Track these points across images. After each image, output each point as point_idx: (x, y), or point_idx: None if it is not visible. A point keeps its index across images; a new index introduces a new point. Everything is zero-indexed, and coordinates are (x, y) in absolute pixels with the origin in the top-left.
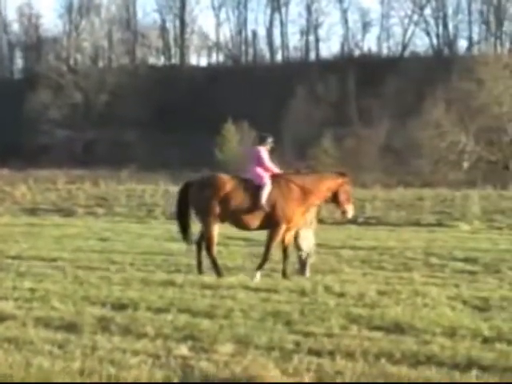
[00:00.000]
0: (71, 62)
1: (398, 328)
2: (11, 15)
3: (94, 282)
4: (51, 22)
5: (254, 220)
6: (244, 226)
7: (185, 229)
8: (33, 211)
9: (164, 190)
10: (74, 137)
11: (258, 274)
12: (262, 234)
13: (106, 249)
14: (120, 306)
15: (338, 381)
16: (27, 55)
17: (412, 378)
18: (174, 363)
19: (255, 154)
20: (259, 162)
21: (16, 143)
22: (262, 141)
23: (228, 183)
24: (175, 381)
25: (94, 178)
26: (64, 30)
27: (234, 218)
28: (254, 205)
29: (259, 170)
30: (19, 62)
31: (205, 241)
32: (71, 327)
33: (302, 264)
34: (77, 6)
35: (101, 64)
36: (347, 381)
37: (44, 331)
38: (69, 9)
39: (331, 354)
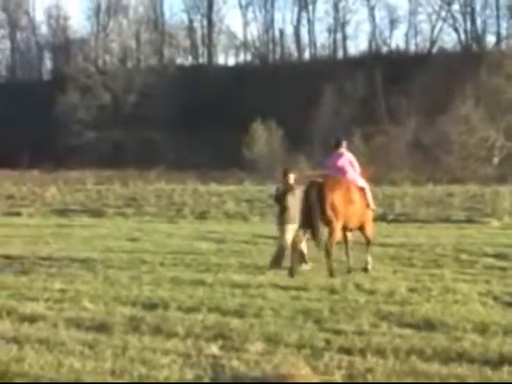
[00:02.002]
0: (99, 62)
1: (428, 325)
2: (39, 17)
3: (125, 282)
4: (79, 23)
5: (360, 220)
6: (353, 227)
7: (317, 230)
8: (63, 212)
9: (193, 190)
10: (103, 137)
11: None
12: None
13: (135, 249)
14: (150, 306)
15: (368, 378)
16: (56, 56)
17: (443, 374)
18: (205, 362)
19: (348, 159)
20: (353, 165)
21: (45, 144)
22: (340, 144)
23: (350, 185)
24: (206, 380)
25: (123, 179)
26: (92, 31)
27: (349, 219)
28: (364, 206)
29: (354, 173)
30: (48, 64)
31: (329, 242)
32: (102, 327)
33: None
34: (104, 7)
35: (129, 64)
36: (378, 378)
37: (75, 332)
38: (96, 10)
39: (362, 351)
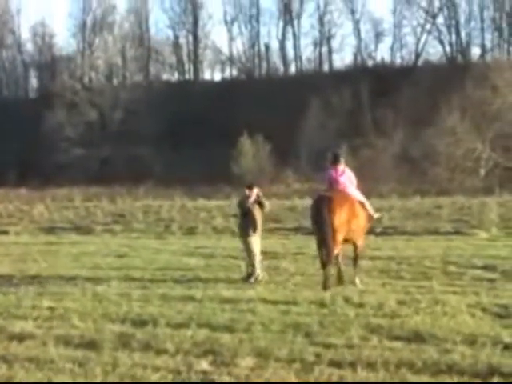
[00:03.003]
0: (85, 79)
1: (418, 337)
2: (25, 35)
3: (114, 299)
4: (65, 40)
5: (359, 234)
6: (355, 240)
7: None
8: (51, 230)
9: (181, 205)
10: (90, 154)
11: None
12: (277, 247)
13: (124, 265)
14: (140, 323)
15: None
16: (42, 74)
17: None
18: (195, 378)
19: (348, 176)
20: (351, 180)
21: (32, 162)
22: (338, 159)
23: (354, 200)
24: None
25: (111, 195)
26: (78, 49)
27: (351, 232)
28: (365, 220)
29: (354, 189)
30: (34, 82)
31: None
32: (91, 345)
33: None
34: (90, 24)
35: (115, 81)
36: None
37: (64, 349)
38: (82, 27)
39: (352, 364)
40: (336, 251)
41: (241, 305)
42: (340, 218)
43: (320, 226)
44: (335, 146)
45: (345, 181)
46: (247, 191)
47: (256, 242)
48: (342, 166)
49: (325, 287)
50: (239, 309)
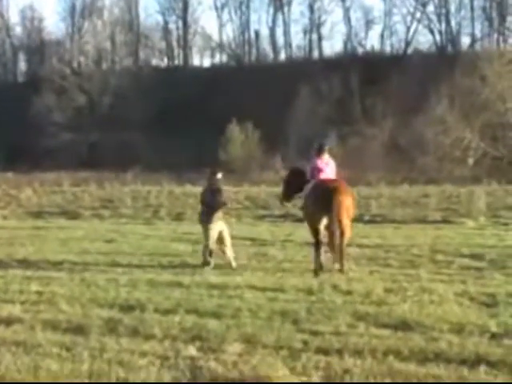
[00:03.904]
0: (74, 64)
1: (405, 325)
2: (14, 18)
3: (101, 284)
4: (54, 24)
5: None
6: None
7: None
8: (38, 214)
9: (169, 191)
10: (79, 139)
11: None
12: (266, 234)
13: (112, 250)
14: (127, 308)
15: (346, 379)
16: (30, 58)
17: (420, 374)
18: (183, 364)
19: (331, 164)
20: (333, 170)
21: (20, 146)
22: (323, 150)
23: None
24: (184, 381)
25: (99, 180)
26: (67, 33)
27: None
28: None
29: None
30: (22, 65)
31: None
32: (79, 329)
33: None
34: (79, 9)
35: (104, 66)
36: (356, 379)
37: (52, 334)
38: (71, 11)
39: (339, 352)
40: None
41: (228, 291)
42: (350, 203)
43: (333, 208)
44: (323, 135)
45: (329, 170)
46: (215, 177)
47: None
48: (326, 156)
49: (317, 273)
50: (227, 295)
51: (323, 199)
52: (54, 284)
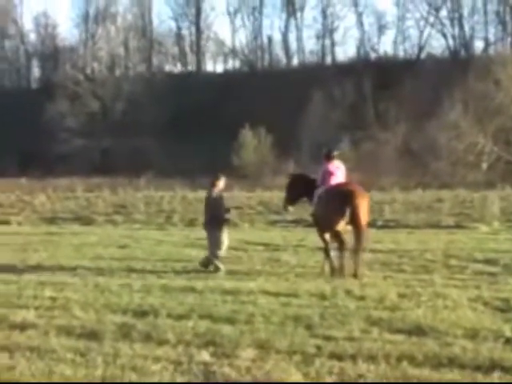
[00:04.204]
0: (88, 70)
1: (419, 330)
2: (28, 25)
3: (115, 290)
4: (68, 31)
5: None
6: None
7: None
8: (52, 220)
9: (182, 197)
10: (92, 145)
11: None
12: (278, 239)
13: (125, 256)
14: (141, 313)
15: None
16: (44, 65)
17: (434, 380)
18: (196, 369)
19: (342, 168)
20: (343, 174)
21: (34, 152)
22: (332, 155)
23: None
24: None
25: (113, 186)
26: (80, 39)
27: None
28: None
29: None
30: (36, 72)
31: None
32: (93, 335)
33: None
34: (93, 15)
35: (117, 72)
36: None
37: (66, 339)
38: (85, 18)
39: (353, 357)
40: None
41: (242, 296)
42: (366, 206)
43: (355, 211)
44: (337, 140)
45: (340, 174)
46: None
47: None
48: (336, 161)
49: (333, 275)
50: (240, 300)
51: (341, 203)
52: (68, 290)
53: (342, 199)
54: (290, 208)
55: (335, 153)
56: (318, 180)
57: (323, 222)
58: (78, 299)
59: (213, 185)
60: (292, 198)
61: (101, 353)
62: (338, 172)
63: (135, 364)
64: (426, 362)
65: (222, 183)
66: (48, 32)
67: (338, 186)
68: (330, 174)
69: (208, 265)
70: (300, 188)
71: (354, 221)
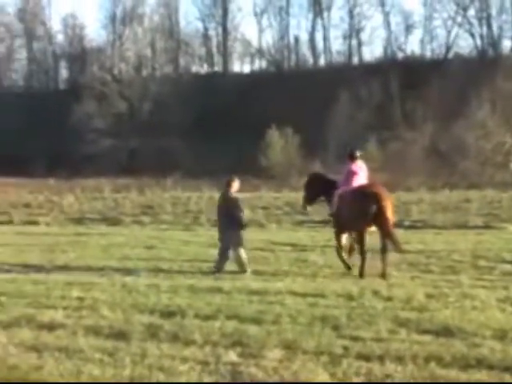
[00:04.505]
0: (115, 71)
1: (447, 331)
2: (56, 26)
3: (142, 290)
4: (95, 32)
5: None
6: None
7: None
8: (80, 220)
9: (209, 197)
10: (119, 145)
11: None
12: (306, 239)
13: (152, 257)
14: (168, 314)
15: None
16: (72, 66)
17: (462, 381)
18: (223, 370)
19: (364, 169)
20: (366, 174)
21: (62, 153)
22: (356, 156)
23: None
24: None
25: (140, 187)
26: (108, 40)
27: None
28: None
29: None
30: (64, 73)
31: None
32: (120, 335)
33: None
34: (120, 16)
35: (144, 73)
36: None
37: (94, 339)
38: (112, 19)
39: (380, 358)
40: None
41: (269, 297)
42: (391, 207)
43: (381, 212)
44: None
45: (362, 174)
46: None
47: None
48: (359, 161)
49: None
50: (267, 301)
51: (367, 204)
52: (96, 290)
53: (369, 200)
54: (309, 208)
55: (358, 153)
56: (339, 180)
57: (347, 223)
58: (106, 299)
59: (228, 185)
60: (310, 197)
61: (128, 353)
62: (361, 172)
63: (163, 364)
64: (453, 363)
65: (236, 184)
66: (76, 33)
67: (364, 187)
68: (353, 173)
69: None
70: (318, 188)
71: (381, 222)
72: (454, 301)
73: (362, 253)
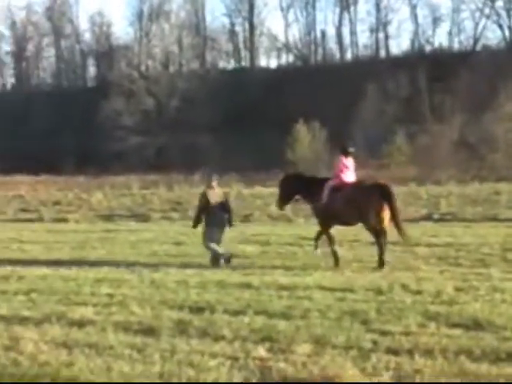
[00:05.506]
0: (142, 68)
1: (476, 325)
2: (83, 24)
3: (171, 286)
4: (122, 29)
5: None
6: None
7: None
8: (109, 217)
9: (237, 192)
10: (147, 142)
11: None
12: (334, 234)
13: (181, 253)
14: (197, 309)
15: (417, 379)
16: (99, 63)
17: (493, 375)
18: (252, 365)
19: (353, 167)
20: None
21: (90, 150)
22: (348, 152)
23: None
24: (253, 382)
25: (168, 183)
26: (135, 37)
27: None
28: None
29: None
30: (92, 70)
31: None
32: (150, 331)
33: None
34: (147, 13)
35: (171, 69)
36: (426, 379)
37: (123, 336)
38: (139, 16)
39: (410, 352)
40: None
41: (297, 292)
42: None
43: (394, 205)
44: (392, 133)
45: (352, 169)
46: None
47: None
48: (350, 158)
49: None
50: (296, 296)
51: (379, 198)
52: (125, 286)
53: (380, 195)
54: (284, 207)
55: (351, 149)
56: (333, 172)
57: (343, 216)
58: (135, 296)
59: (209, 185)
60: (286, 196)
61: (158, 349)
62: (351, 168)
63: (192, 360)
64: (483, 357)
65: (214, 183)
66: (103, 31)
67: (374, 182)
68: (346, 167)
69: (218, 260)
70: (294, 187)
71: (393, 215)
72: (484, 294)
73: (380, 245)
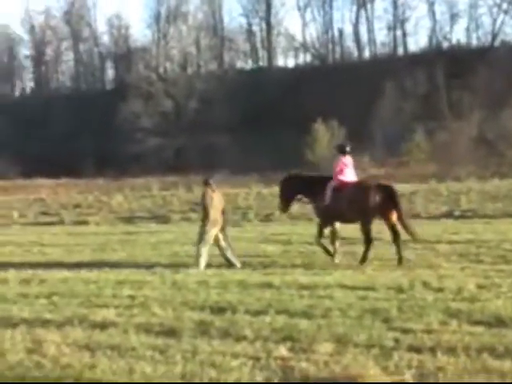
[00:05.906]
0: (160, 70)
1: (499, 322)
2: (101, 27)
3: (192, 287)
4: (140, 31)
5: None
6: None
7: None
8: (129, 219)
9: (256, 193)
10: (166, 144)
11: None
12: (355, 232)
13: None
14: (218, 310)
15: (440, 377)
16: (118, 66)
17: None
18: (274, 364)
19: (353, 163)
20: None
21: (109, 153)
22: (346, 151)
23: None
24: (275, 381)
25: (187, 184)
26: (153, 39)
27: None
28: None
29: None
30: (110, 73)
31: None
32: (171, 332)
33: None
34: (164, 15)
35: (189, 71)
36: (449, 377)
37: (145, 337)
38: (157, 18)
39: (432, 350)
40: None
41: (318, 291)
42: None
43: (399, 206)
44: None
45: (350, 168)
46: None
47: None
48: (348, 156)
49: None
50: (317, 295)
51: (385, 197)
52: (146, 288)
53: (386, 194)
54: (287, 210)
55: (348, 148)
56: (333, 171)
57: (345, 215)
58: (157, 297)
59: (207, 184)
60: (288, 198)
61: (180, 350)
62: (350, 166)
63: (214, 360)
64: (506, 354)
65: (213, 185)
66: (121, 33)
67: (377, 183)
68: (345, 165)
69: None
70: (295, 187)
71: (399, 216)
72: (506, 291)
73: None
